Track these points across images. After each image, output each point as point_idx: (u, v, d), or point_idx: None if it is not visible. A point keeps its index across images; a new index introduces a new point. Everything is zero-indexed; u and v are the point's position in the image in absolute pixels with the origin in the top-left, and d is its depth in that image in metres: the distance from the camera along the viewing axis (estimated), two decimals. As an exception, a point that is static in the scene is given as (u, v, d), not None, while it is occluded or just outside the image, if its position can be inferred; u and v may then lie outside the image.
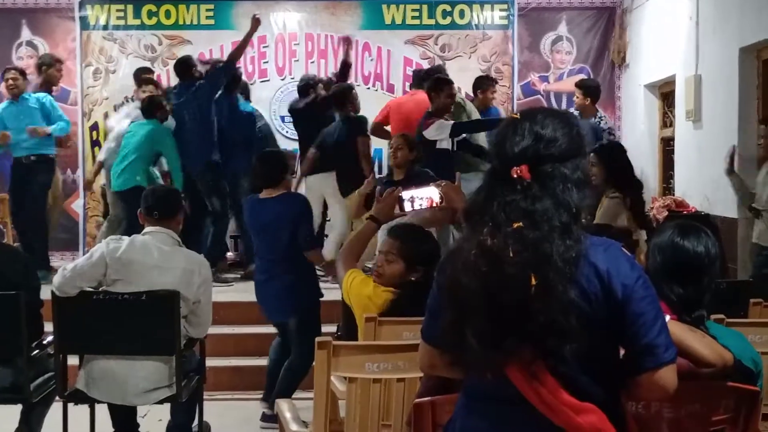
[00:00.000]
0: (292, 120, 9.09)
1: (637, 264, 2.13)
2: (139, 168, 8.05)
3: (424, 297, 3.32)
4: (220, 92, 8.28)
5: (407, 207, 3.78)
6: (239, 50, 8.46)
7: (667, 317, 2.45)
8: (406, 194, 3.78)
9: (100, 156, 9.02)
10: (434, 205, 3.70)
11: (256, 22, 8.38)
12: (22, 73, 8.66)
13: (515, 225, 2.05)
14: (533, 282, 2.01)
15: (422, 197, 3.74)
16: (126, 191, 8.01)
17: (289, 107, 8.87)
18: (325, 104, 8.31)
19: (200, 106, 8.15)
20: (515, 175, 2.11)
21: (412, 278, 3.94)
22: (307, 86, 8.62)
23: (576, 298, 2.04)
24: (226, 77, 8.29)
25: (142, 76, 9.14)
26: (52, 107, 8.66)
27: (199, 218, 8.27)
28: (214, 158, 8.20)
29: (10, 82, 8.50)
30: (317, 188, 8.24)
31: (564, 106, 10.26)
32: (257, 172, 6.06)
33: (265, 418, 5.86)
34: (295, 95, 8.87)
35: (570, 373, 2.08)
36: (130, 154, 8.07)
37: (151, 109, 8.16)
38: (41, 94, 8.66)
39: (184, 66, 8.43)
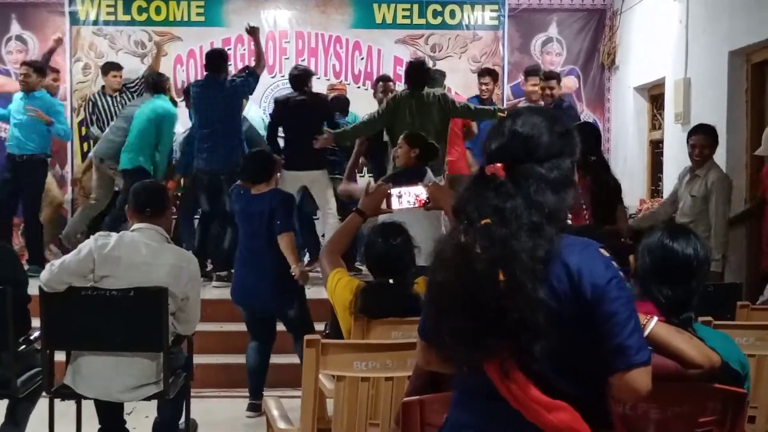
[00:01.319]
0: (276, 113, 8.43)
1: (614, 265, 2.12)
2: (142, 148, 8.06)
3: (392, 296, 3.36)
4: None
5: (395, 204, 3.80)
6: (262, 58, 8.46)
7: (655, 319, 2.46)
8: (394, 191, 3.80)
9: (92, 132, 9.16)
10: (421, 203, 3.73)
11: (252, 31, 8.35)
12: (37, 70, 8.59)
13: (483, 221, 2.08)
14: (501, 278, 2.03)
15: (410, 195, 3.76)
16: (129, 170, 8.11)
17: (276, 99, 8.45)
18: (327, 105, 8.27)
19: (230, 105, 7.97)
20: (489, 173, 2.14)
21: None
22: (301, 78, 8.23)
23: (545, 296, 2.04)
24: (256, 84, 8.28)
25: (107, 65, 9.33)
26: (58, 110, 8.70)
27: (215, 217, 8.23)
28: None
29: (22, 76, 8.52)
30: (298, 183, 8.13)
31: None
32: (246, 169, 6.19)
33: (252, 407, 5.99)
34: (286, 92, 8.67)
35: (542, 371, 2.09)
36: (135, 134, 8.12)
37: (157, 85, 8.15)
38: (51, 99, 8.73)
39: (219, 59, 8.14)
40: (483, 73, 9.37)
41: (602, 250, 2.13)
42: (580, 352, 2.11)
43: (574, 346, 2.10)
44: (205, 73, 8.30)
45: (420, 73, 7.63)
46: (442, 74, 8.97)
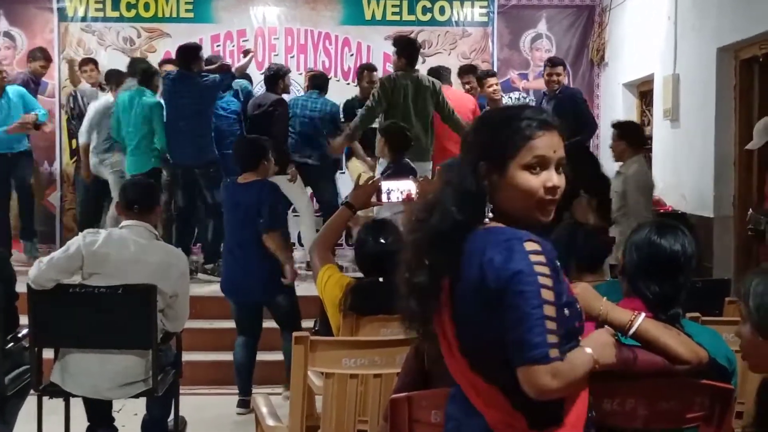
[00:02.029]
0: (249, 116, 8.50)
1: (530, 260, 2.04)
2: (151, 147, 7.98)
3: (382, 295, 3.41)
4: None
5: (384, 198, 3.84)
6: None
7: (643, 315, 2.46)
8: (384, 185, 3.84)
9: (82, 138, 8.77)
10: (410, 198, 3.77)
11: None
12: None
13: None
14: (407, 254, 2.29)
15: (400, 189, 3.80)
16: (145, 174, 7.74)
17: (251, 103, 8.46)
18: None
19: (202, 100, 7.89)
20: None
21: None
22: (271, 78, 8.36)
23: (435, 280, 2.20)
24: (230, 81, 8.31)
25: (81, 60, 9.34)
26: (31, 99, 8.63)
27: (192, 211, 8.21)
28: (216, 151, 7.99)
29: (4, 74, 8.43)
30: None
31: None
32: (235, 155, 6.30)
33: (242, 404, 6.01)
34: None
35: (475, 355, 2.14)
36: (135, 133, 7.95)
37: (148, 78, 8.09)
38: (18, 88, 8.60)
39: (191, 54, 8.01)
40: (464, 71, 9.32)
41: (527, 244, 2.07)
42: (499, 343, 2.08)
43: (490, 336, 2.09)
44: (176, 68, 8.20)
45: (416, 50, 7.70)
46: (447, 70, 8.92)
